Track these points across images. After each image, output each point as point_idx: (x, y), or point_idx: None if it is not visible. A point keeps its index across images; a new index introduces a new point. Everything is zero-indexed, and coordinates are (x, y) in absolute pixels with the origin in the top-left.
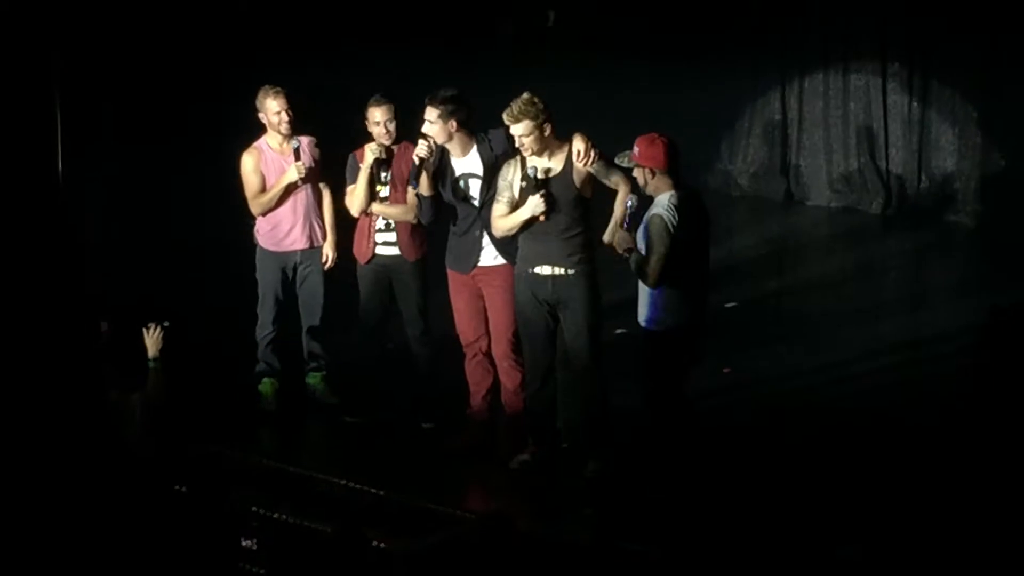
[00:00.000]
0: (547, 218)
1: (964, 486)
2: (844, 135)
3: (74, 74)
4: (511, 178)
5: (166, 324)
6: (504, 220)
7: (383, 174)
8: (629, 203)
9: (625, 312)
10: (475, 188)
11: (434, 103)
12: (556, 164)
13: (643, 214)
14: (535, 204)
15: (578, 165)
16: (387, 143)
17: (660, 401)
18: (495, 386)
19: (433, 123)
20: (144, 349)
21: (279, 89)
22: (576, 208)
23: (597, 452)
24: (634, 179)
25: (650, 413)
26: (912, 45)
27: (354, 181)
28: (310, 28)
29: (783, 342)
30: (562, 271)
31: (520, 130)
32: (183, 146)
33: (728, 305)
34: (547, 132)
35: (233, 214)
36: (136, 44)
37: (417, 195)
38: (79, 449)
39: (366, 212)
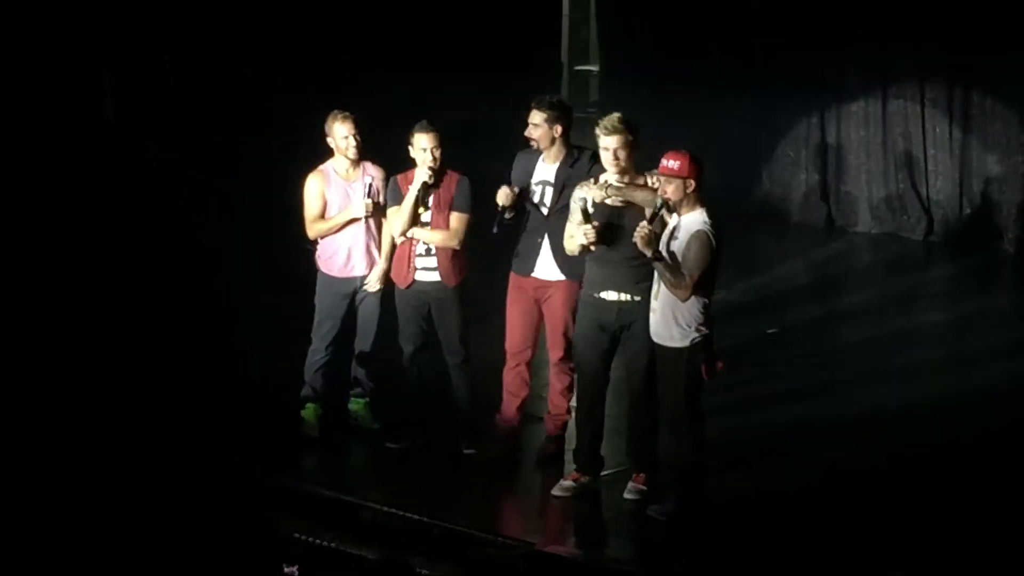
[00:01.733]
0: (599, 247)
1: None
2: (885, 161)
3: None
4: (580, 200)
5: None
6: (566, 242)
7: (427, 199)
8: (656, 205)
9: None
10: (547, 194)
11: (541, 107)
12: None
13: (667, 219)
14: (584, 233)
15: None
16: (434, 168)
17: (695, 418)
18: (528, 398)
19: (538, 126)
20: None
21: (348, 114)
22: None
23: (639, 470)
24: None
25: (685, 431)
26: (952, 70)
27: (396, 203)
28: (345, 51)
29: (824, 368)
30: (628, 297)
31: (614, 143)
32: (240, 165)
33: (770, 331)
34: (630, 152)
35: (283, 237)
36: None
37: (496, 222)
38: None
39: (405, 235)
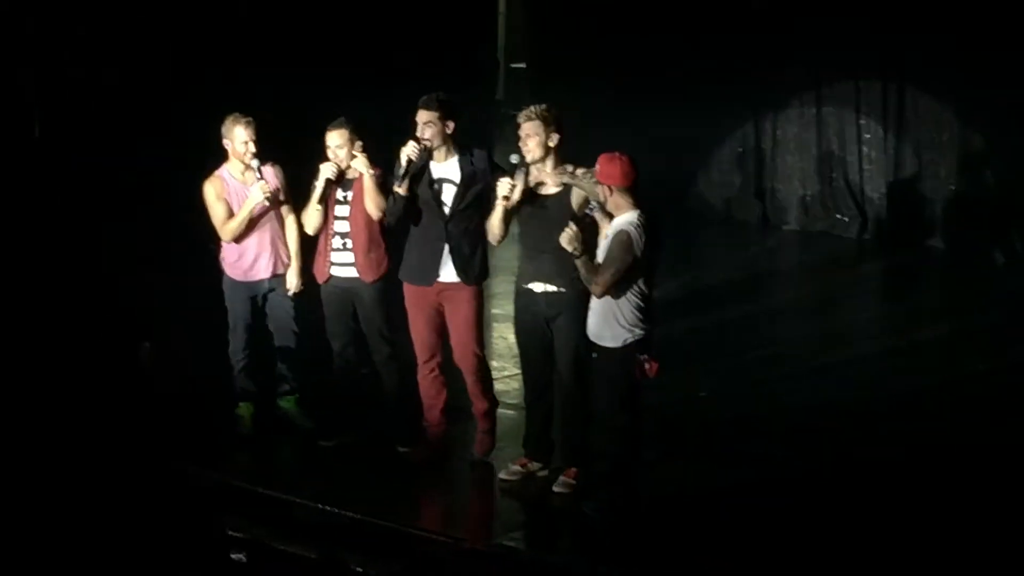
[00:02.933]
0: (510, 204)
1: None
2: (819, 160)
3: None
4: (498, 183)
5: (147, 345)
6: (489, 219)
7: (343, 193)
8: (590, 207)
9: None
10: (448, 194)
11: (431, 105)
12: (557, 182)
13: (600, 220)
14: (503, 183)
15: (568, 180)
16: (341, 166)
17: (629, 417)
18: (449, 399)
19: (431, 124)
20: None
21: (249, 119)
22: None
23: (570, 464)
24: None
25: (618, 430)
26: (885, 71)
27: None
28: (269, 49)
29: (758, 365)
30: (553, 288)
31: (529, 128)
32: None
33: (704, 329)
34: (553, 143)
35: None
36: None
37: (393, 194)
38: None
39: (319, 231)
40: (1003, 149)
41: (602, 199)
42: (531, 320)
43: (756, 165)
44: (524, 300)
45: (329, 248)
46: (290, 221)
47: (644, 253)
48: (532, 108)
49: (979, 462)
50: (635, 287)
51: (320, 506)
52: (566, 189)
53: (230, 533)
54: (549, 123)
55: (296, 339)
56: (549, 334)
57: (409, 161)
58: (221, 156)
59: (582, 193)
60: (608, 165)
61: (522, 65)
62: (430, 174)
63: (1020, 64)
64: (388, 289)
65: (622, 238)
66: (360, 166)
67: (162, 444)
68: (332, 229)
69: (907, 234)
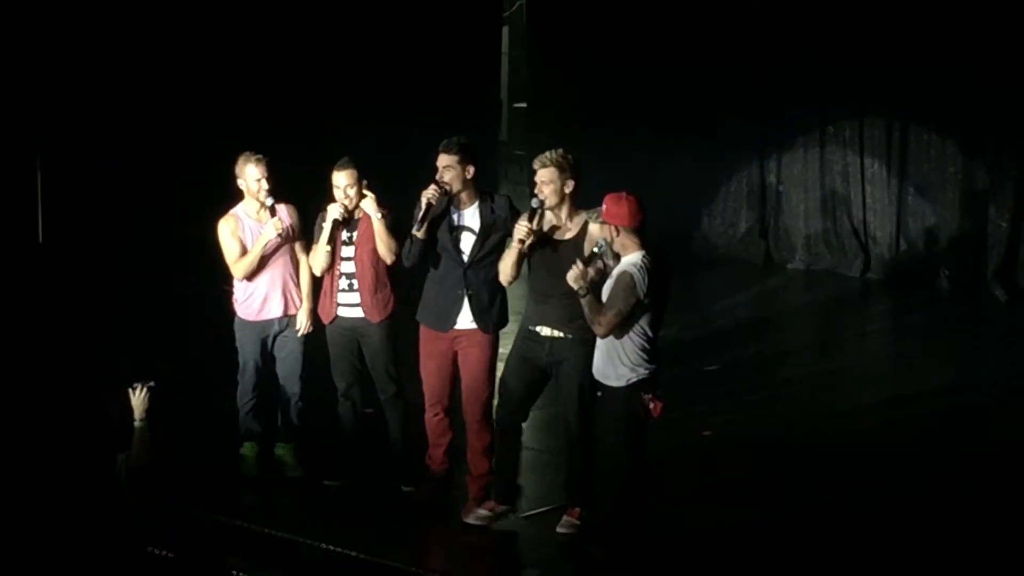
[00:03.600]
0: (525, 247)
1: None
2: (822, 198)
3: (58, 139)
4: (518, 227)
5: (152, 385)
6: (501, 260)
7: (347, 234)
8: (598, 246)
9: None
10: (468, 241)
11: (451, 149)
12: (572, 228)
13: (608, 261)
14: (520, 227)
15: (592, 232)
16: (348, 207)
17: (631, 456)
18: (453, 442)
19: (451, 168)
20: (130, 410)
21: (260, 157)
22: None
23: (575, 505)
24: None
25: (620, 469)
26: (890, 109)
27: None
28: (285, 94)
29: (763, 405)
30: (560, 334)
31: (545, 176)
32: (167, 207)
33: (709, 368)
34: (568, 189)
35: (215, 278)
36: (119, 109)
37: (410, 237)
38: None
39: (327, 272)
40: (1006, 187)
41: (609, 240)
42: (527, 363)
43: (760, 204)
44: (527, 342)
45: (336, 288)
46: (303, 262)
47: (648, 294)
48: (548, 154)
49: (989, 501)
50: (639, 327)
51: (325, 546)
52: (579, 235)
53: (234, 574)
54: (565, 169)
55: (301, 384)
56: (536, 378)
57: (428, 205)
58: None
59: (595, 239)
60: (615, 205)
61: (523, 105)
62: (450, 219)
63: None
64: (395, 328)
65: (625, 280)
66: (369, 208)
67: (165, 487)
68: (339, 270)
69: (911, 272)
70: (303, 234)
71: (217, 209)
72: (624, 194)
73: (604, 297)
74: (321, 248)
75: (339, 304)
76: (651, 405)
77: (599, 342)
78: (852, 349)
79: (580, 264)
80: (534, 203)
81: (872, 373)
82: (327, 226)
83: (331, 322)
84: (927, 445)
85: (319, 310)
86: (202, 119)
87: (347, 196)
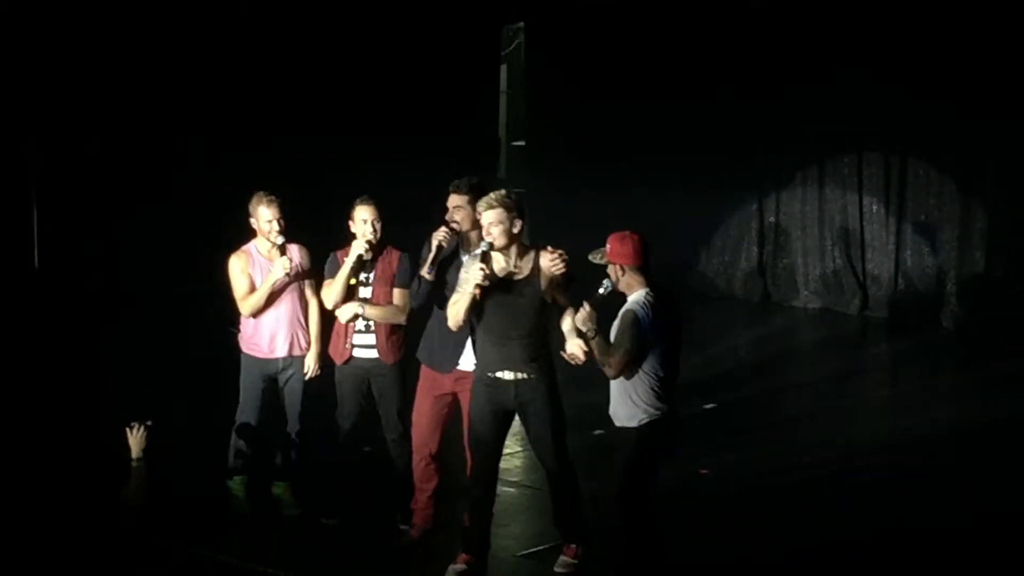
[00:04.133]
0: (483, 293)
1: None
2: (821, 236)
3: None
4: (470, 270)
5: (149, 423)
6: (452, 305)
7: (364, 275)
8: (603, 287)
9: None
10: None
11: (462, 190)
12: (524, 267)
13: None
14: (474, 271)
15: (546, 264)
16: (373, 241)
17: (635, 496)
18: (438, 488)
19: (461, 208)
20: (128, 448)
21: (272, 197)
22: (540, 314)
23: (569, 542)
24: (607, 274)
25: (623, 508)
26: (888, 147)
27: (333, 276)
28: (264, 128)
29: (762, 443)
30: (524, 376)
31: (490, 217)
32: (166, 245)
33: (707, 407)
34: (516, 229)
35: (217, 315)
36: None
37: (419, 277)
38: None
39: (339, 308)
40: (1005, 224)
41: (613, 279)
42: (492, 411)
43: (759, 242)
44: (490, 389)
45: (351, 331)
46: (313, 304)
47: (654, 331)
48: (492, 196)
49: (991, 536)
50: (650, 367)
51: None
52: (534, 272)
53: None
54: (511, 209)
55: (300, 425)
56: (504, 424)
57: (439, 247)
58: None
59: (549, 276)
60: (620, 244)
61: (522, 143)
62: (459, 260)
63: (1021, 135)
64: (405, 370)
65: (629, 318)
66: (350, 312)
67: (162, 525)
68: (367, 315)
69: (910, 311)
70: (313, 276)
71: (217, 245)
72: (628, 232)
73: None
74: (339, 280)
75: (354, 345)
76: (662, 449)
77: (612, 383)
78: (850, 388)
79: (588, 306)
80: (483, 246)
81: (870, 412)
82: (350, 260)
83: (344, 363)
84: (926, 483)
85: (331, 351)
86: (202, 151)
87: (374, 230)
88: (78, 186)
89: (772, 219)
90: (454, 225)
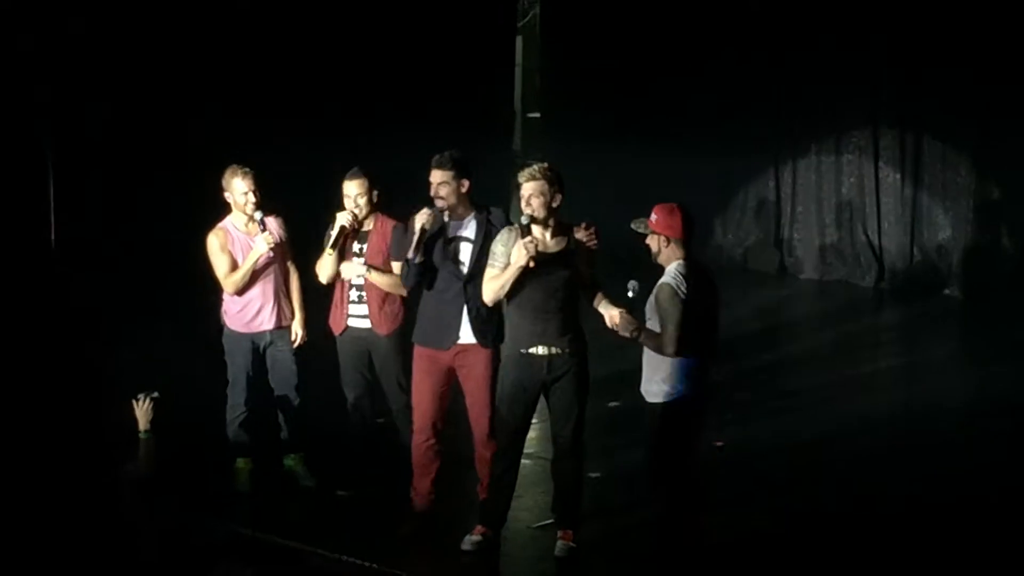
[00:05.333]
0: (534, 266)
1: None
2: (836, 209)
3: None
4: (509, 244)
5: (156, 395)
6: (495, 280)
7: (358, 246)
8: (630, 288)
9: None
10: (466, 252)
11: (444, 164)
12: (559, 242)
13: (645, 298)
14: (521, 248)
15: (583, 238)
16: (358, 216)
17: (666, 474)
18: (440, 471)
19: (446, 184)
20: (134, 420)
21: (247, 169)
22: (575, 288)
23: (565, 526)
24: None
25: (654, 486)
26: (904, 120)
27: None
28: (282, 99)
29: (778, 414)
30: (558, 351)
31: (531, 189)
32: (171, 213)
33: (721, 378)
34: (556, 203)
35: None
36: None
37: (407, 261)
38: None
39: (333, 280)
40: (1021, 195)
41: (655, 250)
42: (524, 389)
43: (774, 214)
44: (522, 366)
45: (346, 300)
46: (293, 273)
47: (690, 299)
48: (535, 167)
49: (1002, 512)
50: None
51: (335, 556)
52: (569, 247)
53: None
54: (553, 183)
55: (298, 394)
56: (534, 402)
57: (423, 230)
58: (220, 208)
59: (585, 251)
60: (667, 216)
61: (537, 115)
62: (446, 234)
63: None
64: (405, 340)
65: (666, 292)
66: (354, 270)
67: (170, 497)
68: (349, 281)
69: (924, 283)
70: (292, 245)
71: (214, 218)
72: (676, 205)
73: (648, 323)
74: (325, 253)
75: (349, 315)
76: (692, 429)
77: (644, 358)
78: (865, 359)
79: (623, 312)
80: (524, 219)
81: (885, 383)
82: (333, 232)
83: (341, 333)
84: (941, 453)
85: (329, 321)
86: (210, 121)
87: (357, 205)
88: (91, 153)
89: (788, 190)
90: (439, 203)
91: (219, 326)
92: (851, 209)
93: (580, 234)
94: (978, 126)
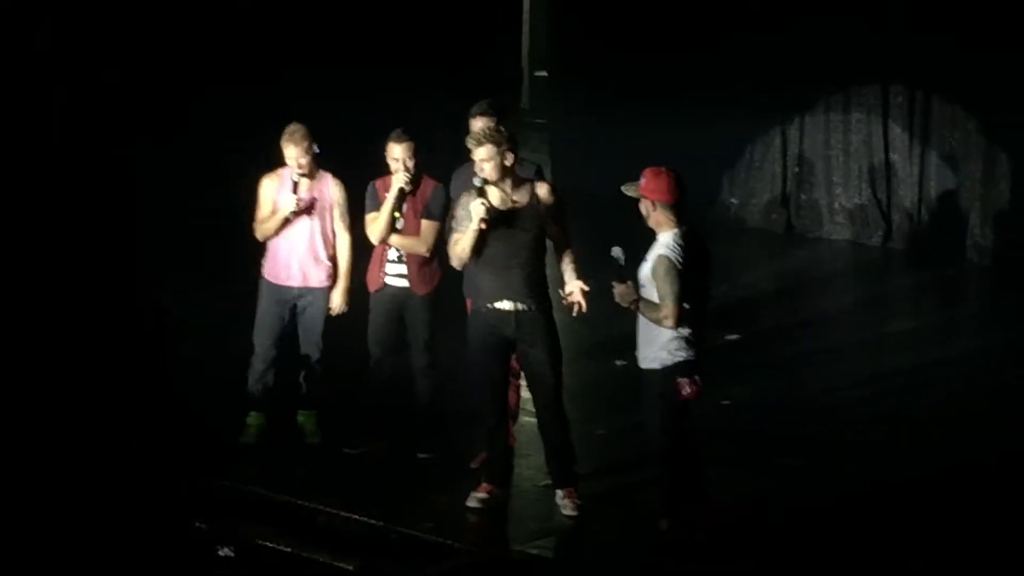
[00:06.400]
0: (486, 227)
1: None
2: (845, 168)
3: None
4: (467, 207)
5: None
6: (457, 243)
7: (403, 206)
8: (615, 255)
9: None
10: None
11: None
12: (521, 197)
13: (627, 264)
14: (476, 208)
15: (543, 194)
16: (407, 177)
17: (671, 435)
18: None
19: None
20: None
21: (295, 135)
22: (539, 243)
23: (565, 485)
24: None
25: (660, 448)
26: (913, 79)
27: (374, 209)
28: (306, 60)
29: (784, 374)
30: (525, 307)
31: (482, 154)
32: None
33: (729, 337)
34: (508, 162)
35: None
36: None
37: (400, 192)
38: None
39: (385, 242)
40: None
41: (644, 214)
42: (493, 341)
43: (782, 173)
44: (487, 320)
45: (385, 259)
46: (343, 237)
47: (686, 267)
48: (480, 131)
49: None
50: None
51: (342, 513)
52: (532, 201)
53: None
54: (500, 143)
55: (320, 353)
56: (507, 355)
57: (401, 191)
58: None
59: (546, 204)
60: (654, 179)
61: (544, 73)
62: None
63: None
64: (438, 301)
65: (664, 265)
66: (400, 181)
67: (178, 458)
68: (389, 241)
69: (932, 242)
70: (349, 210)
71: (242, 176)
72: (665, 168)
73: (643, 293)
74: (383, 216)
75: (387, 274)
76: (685, 390)
77: (639, 325)
78: (873, 319)
79: (620, 285)
80: (476, 182)
81: (893, 344)
82: (391, 195)
83: (377, 291)
84: (949, 416)
85: (367, 278)
86: (221, 84)
87: (406, 168)
88: (99, 117)
89: (796, 150)
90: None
91: (245, 282)
92: (860, 169)
93: (541, 189)
94: (988, 85)
